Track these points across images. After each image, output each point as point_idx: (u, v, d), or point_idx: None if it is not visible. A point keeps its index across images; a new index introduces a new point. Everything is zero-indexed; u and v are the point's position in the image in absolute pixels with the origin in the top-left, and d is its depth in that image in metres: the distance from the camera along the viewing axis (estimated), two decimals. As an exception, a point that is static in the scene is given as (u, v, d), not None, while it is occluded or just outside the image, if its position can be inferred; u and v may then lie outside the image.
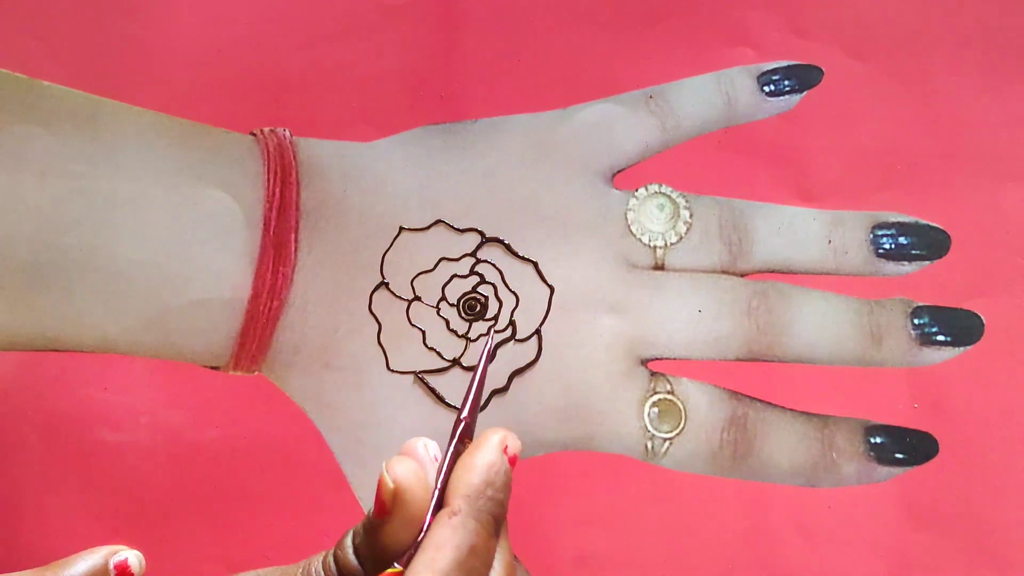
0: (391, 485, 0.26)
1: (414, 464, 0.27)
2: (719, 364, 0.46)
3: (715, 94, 0.48)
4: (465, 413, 0.29)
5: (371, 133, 0.48)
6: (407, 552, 0.26)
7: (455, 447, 0.28)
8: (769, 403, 0.46)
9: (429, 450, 0.28)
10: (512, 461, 0.28)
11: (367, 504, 0.39)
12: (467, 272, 0.47)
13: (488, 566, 0.26)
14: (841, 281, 0.47)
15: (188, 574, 0.45)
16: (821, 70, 0.48)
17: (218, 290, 0.46)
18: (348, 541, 0.28)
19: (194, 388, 0.46)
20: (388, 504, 0.26)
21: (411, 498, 0.26)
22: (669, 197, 0.48)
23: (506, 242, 0.47)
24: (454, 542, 0.25)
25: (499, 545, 0.27)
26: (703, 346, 0.46)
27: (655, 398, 0.46)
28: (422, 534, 0.26)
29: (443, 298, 0.47)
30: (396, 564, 0.26)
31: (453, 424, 0.29)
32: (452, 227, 0.47)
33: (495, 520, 0.27)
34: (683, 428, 0.46)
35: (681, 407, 0.46)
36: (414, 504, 0.26)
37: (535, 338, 0.47)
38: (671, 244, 0.47)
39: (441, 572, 0.25)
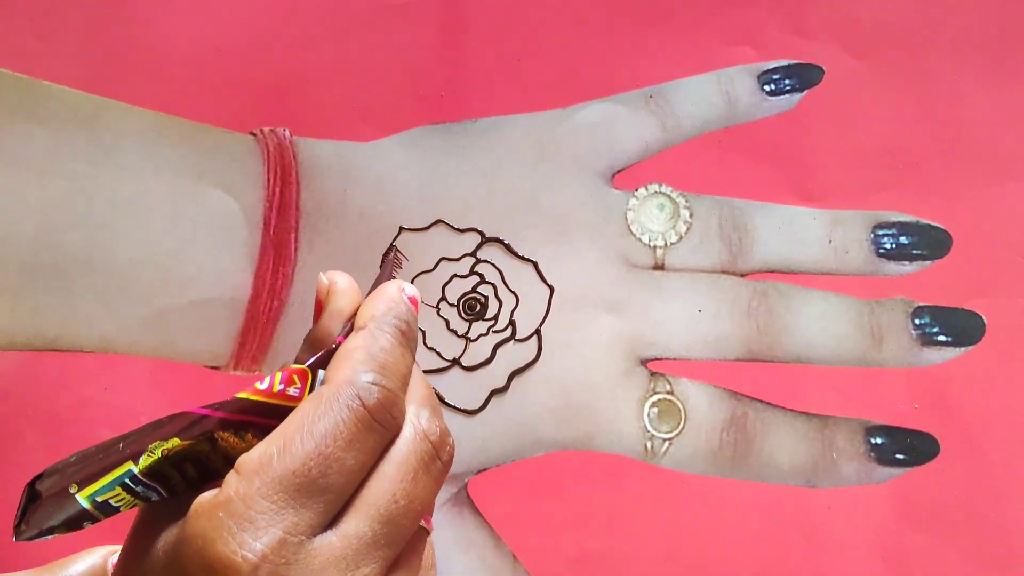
0: (326, 282, 0.29)
1: (345, 274, 0.30)
2: (719, 364, 0.46)
3: (715, 93, 0.48)
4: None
5: (371, 133, 0.48)
6: (317, 355, 0.27)
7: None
8: (769, 403, 0.46)
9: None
10: (412, 301, 0.29)
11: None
12: (467, 272, 0.47)
13: (403, 367, 0.27)
14: (841, 281, 0.47)
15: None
16: (822, 69, 0.48)
17: (218, 290, 0.46)
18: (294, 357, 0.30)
19: (194, 388, 0.46)
20: (323, 298, 0.29)
21: (340, 289, 0.29)
22: (669, 197, 0.48)
23: (506, 242, 0.47)
24: (364, 344, 0.27)
25: (415, 367, 0.29)
26: (703, 346, 0.46)
27: (655, 398, 0.46)
28: (334, 345, 0.27)
29: (443, 298, 0.47)
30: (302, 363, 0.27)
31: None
32: (452, 227, 0.47)
33: (402, 333, 0.28)
34: (683, 428, 0.46)
35: (681, 407, 0.46)
36: (344, 295, 0.29)
37: (535, 338, 0.47)
38: (671, 244, 0.47)
39: (355, 363, 0.26)
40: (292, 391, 0.26)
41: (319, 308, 0.29)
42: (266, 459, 0.24)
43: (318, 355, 0.27)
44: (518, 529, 0.45)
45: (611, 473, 0.46)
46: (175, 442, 0.25)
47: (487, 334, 0.47)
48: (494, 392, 0.46)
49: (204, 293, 0.46)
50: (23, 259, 0.45)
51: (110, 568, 0.32)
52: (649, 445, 0.46)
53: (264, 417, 0.26)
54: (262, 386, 0.26)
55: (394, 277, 0.31)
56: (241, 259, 0.46)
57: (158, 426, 0.26)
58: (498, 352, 0.47)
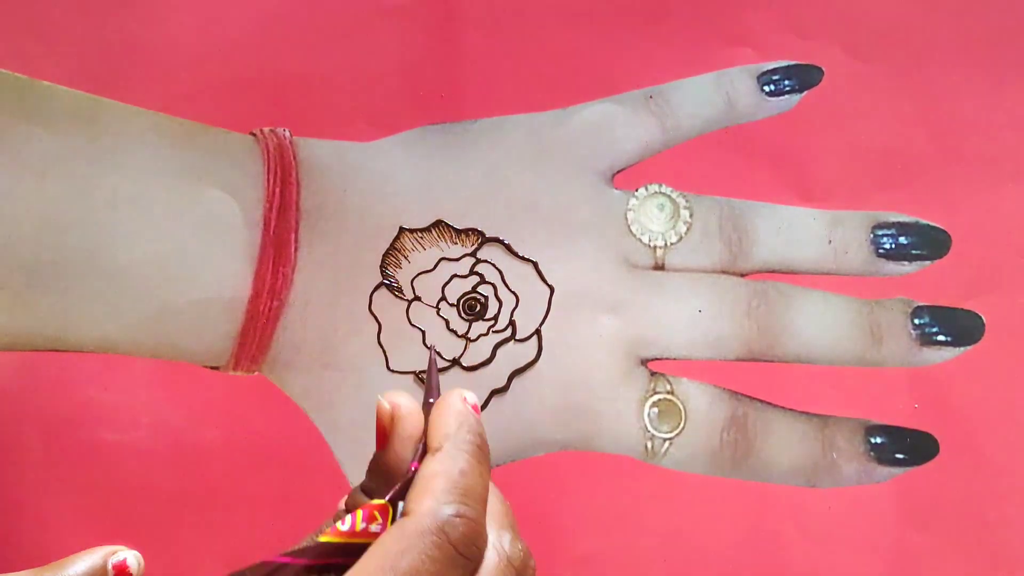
0: (388, 407, 0.28)
1: (404, 393, 0.29)
2: (719, 364, 0.46)
3: (715, 94, 0.48)
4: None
5: (371, 133, 0.48)
6: (395, 487, 0.26)
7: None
8: (769, 403, 0.46)
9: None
10: (475, 409, 0.29)
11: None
12: (467, 272, 0.47)
13: (482, 488, 0.26)
14: (841, 281, 0.47)
15: (187, 574, 0.45)
16: (821, 70, 0.48)
17: (218, 290, 0.46)
18: (356, 488, 0.29)
19: (194, 388, 0.46)
20: (387, 425, 0.28)
21: (407, 413, 0.28)
22: (669, 197, 0.48)
23: (506, 242, 0.47)
24: (443, 468, 0.26)
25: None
26: (703, 346, 0.46)
27: (655, 398, 0.46)
28: (410, 473, 0.27)
29: (443, 298, 0.47)
30: (381, 499, 0.26)
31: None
32: (452, 227, 0.47)
33: (479, 449, 0.27)
34: (683, 428, 0.46)
35: (681, 407, 0.46)
36: (410, 418, 0.28)
37: (535, 338, 0.47)
38: (671, 244, 0.47)
39: (437, 492, 0.25)
40: (374, 528, 0.26)
41: (382, 433, 0.28)
42: None
43: (397, 487, 0.26)
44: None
45: (611, 473, 0.46)
46: None
47: (487, 334, 0.47)
48: (494, 392, 0.46)
49: (204, 293, 0.46)
50: (23, 259, 0.45)
51: (109, 568, 0.32)
52: (649, 445, 0.46)
53: (347, 557, 0.25)
54: (344, 527, 0.25)
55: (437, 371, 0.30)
56: (241, 259, 0.46)
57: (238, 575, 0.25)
58: (498, 352, 0.47)
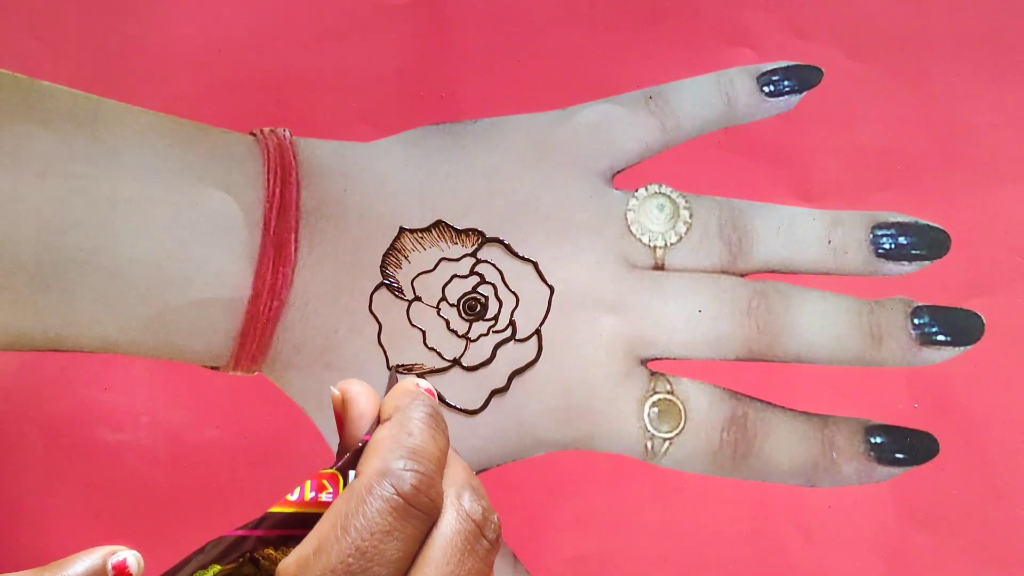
0: (337, 393, 0.29)
1: (355, 379, 0.30)
2: (719, 364, 0.46)
3: (715, 94, 0.48)
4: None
5: (371, 133, 0.48)
6: (344, 457, 0.27)
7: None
8: (769, 403, 0.46)
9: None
10: (429, 392, 0.29)
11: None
12: (467, 272, 0.47)
13: (435, 449, 0.26)
14: (841, 281, 0.47)
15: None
16: (821, 71, 0.48)
17: (218, 290, 0.46)
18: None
19: (194, 388, 0.46)
20: (340, 409, 0.29)
21: (356, 394, 0.29)
22: (669, 197, 0.48)
23: (506, 242, 0.47)
24: (391, 433, 0.26)
25: (452, 451, 0.28)
26: (703, 346, 0.46)
27: (655, 398, 0.46)
28: (361, 444, 0.27)
29: (443, 298, 0.47)
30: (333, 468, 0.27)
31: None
32: (452, 227, 0.48)
33: (430, 417, 0.27)
34: (683, 428, 0.46)
35: (681, 407, 0.46)
36: (361, 397, 0.29)
37: (535, 338, 0.47)
38: (671, 244, 0.47)
39: (384, 452, 0.25)
40: (324, 497, 0.26)
41: (339, 421, 0.29)
42: (303, 562, 0.23)
43: (347, 456, 0.26)
44: (518, 529, 0.45)
45: (611, 473, 0.46)
46: (215, 569, 0.25)
47: (487, 334, 0.47)
48: (494, 392, 0.46)
49: (204, 293, 0.46)
50: (23, 259, 0.45)
51: (109, 569, 0.32)
52: (649, 445, 0.46)
53: (302, 528, 0.25)
54: (293, 497, 0.25)
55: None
56: (241, 259, 0.46)
57: (198, 554, 0.25)
58: (498, 352, 0.47)
